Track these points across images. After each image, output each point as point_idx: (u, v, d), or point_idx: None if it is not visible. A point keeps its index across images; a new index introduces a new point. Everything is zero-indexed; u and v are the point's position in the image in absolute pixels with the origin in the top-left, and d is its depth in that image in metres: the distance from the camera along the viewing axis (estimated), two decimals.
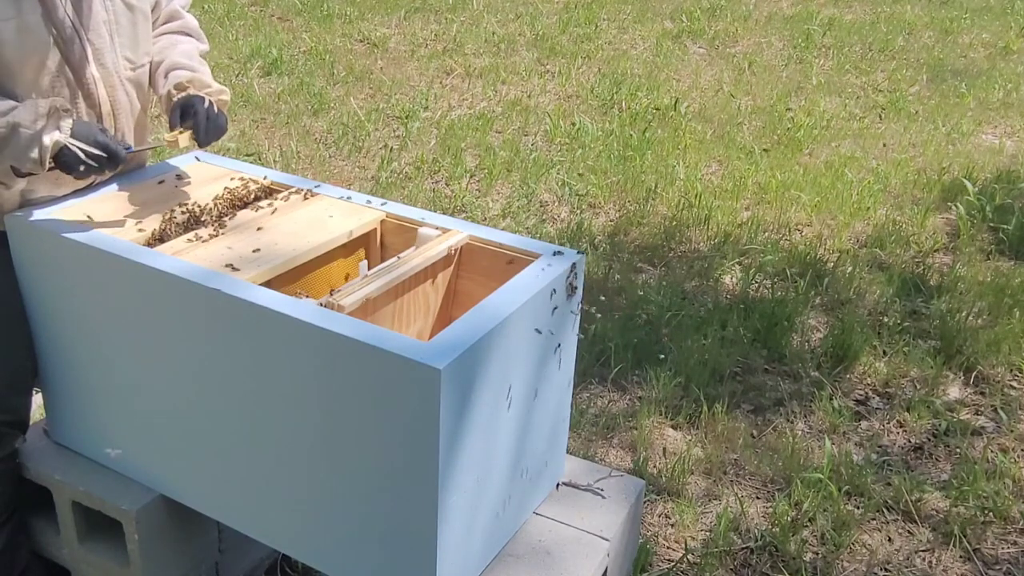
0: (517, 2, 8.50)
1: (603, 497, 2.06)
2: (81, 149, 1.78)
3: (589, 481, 2.10)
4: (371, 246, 2.06)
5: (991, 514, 2.66)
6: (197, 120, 1.96)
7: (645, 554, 2.40)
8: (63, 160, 1.79)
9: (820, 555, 2.52)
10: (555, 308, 1.82)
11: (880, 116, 5.96)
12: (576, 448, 2.83)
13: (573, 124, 5.55)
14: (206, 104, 1.98)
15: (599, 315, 3.48)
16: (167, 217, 1.95)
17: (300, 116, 5.58)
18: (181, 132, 1.95)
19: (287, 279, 1.86)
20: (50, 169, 1.80)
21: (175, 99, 2.01)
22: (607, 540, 1.95)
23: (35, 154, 1.75)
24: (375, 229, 2.05)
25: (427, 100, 5.93)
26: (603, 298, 3.66)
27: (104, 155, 1.80)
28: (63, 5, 1.82)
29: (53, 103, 1.79)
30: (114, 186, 2.08)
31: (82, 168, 1.80)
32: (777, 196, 4.64)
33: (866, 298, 3.78)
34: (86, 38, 1.87)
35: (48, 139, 1.75)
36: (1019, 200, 4.59)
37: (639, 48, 7.35)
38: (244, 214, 2.01)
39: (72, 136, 1.78)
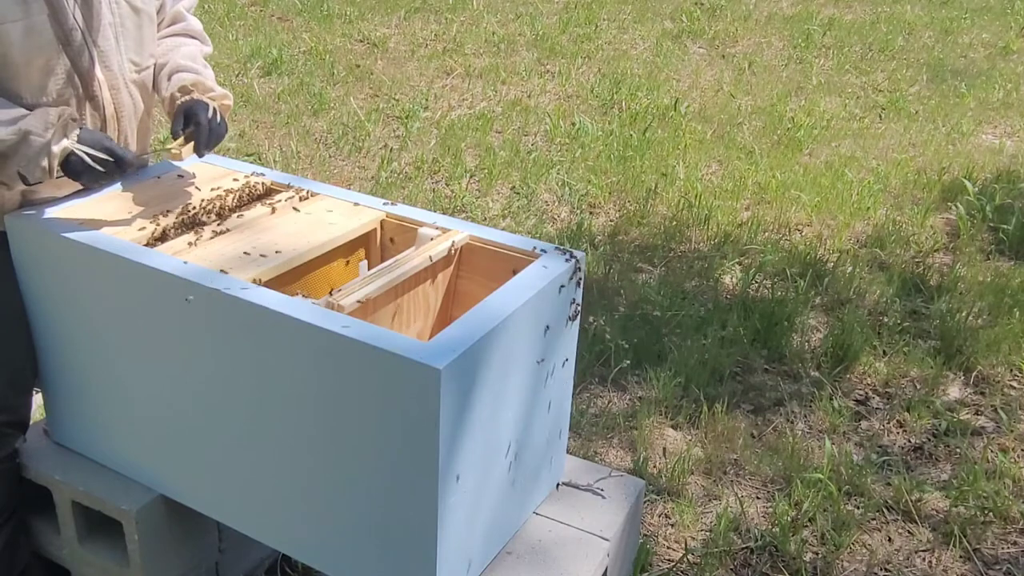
0: (517, 2, 8.50)
1: (603, 497, 2.06)
2: (87, 154, 1.78)
3: (589, 481, 2.10)
4: (371, 246, 2.07)
5: (991, 514, 2.66)
6: (199, 131, 1.96)
7: (645, 554, 2.40)
8: (70, 166, 1.79)
9: (820, 555, 2.52)
10: (555, 307, 1.82)
11: (880, 116, 5.96)
12: (576, 448, 2.83)
13: (573, 124, 5.56)
14: (210, 113, 1.98)
15: (599, 315, 3.48)
16: (167, 217, 1.95)
17: (300, 116, 5.58)
18: (183, 144, 1.95)
19: (287, 279, 1.86)
20: (57, 177, 1.80)
21: (178, 102, 2.01)
22: (607, 540, 1.95)
23: (44, 162, 1.76)
24: (375, 229, 2.05)
25: (427, 100, 5.93)
26: (603, 298, 3.66)
27: (111, 159, 1.81)
28: (70, 7, 1.82)
29: (63, 112, 1.79)
30: (115, 186, 2.07)
31: (89, 175, 1.81)
32: (777, 196, 4.64)
33: (866, 298, 3.78)
34: (92, 40, 1.87)
35: (57, 147, 1.76)
36: (1019, 200, 4.59)
37: (639, 48, 7.35)
38: (244, 214, 2.01)
39: (79, 142, 1.78)
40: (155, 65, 2.07)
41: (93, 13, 1.87)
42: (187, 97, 2.01)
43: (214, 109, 2.00)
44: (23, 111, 1.77)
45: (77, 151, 1.78)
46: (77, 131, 1.79)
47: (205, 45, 2.20)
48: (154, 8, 2.05)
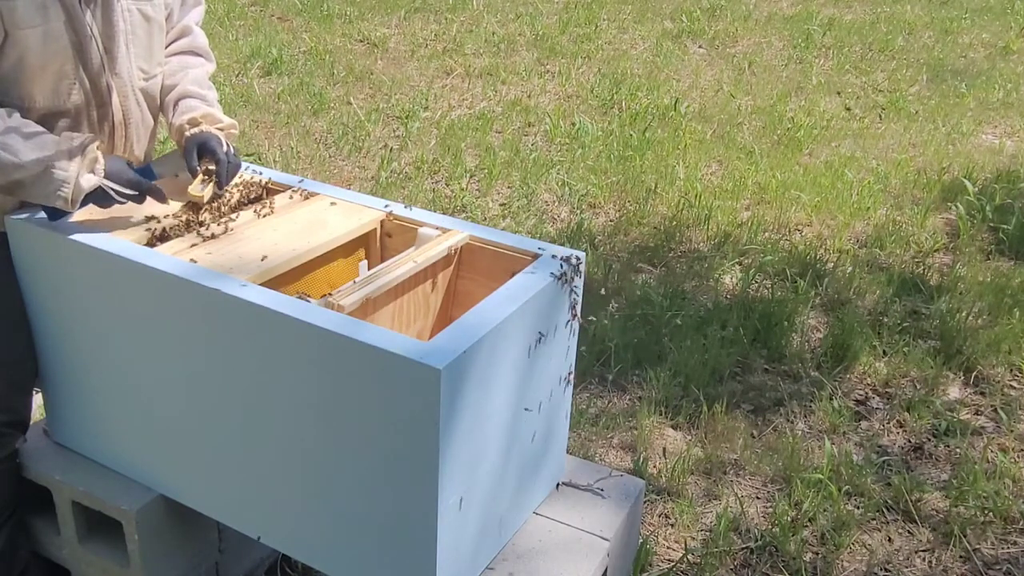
0: (517, 2, 8.50)
1: (603, 497, 2.06)
2: (114, 189, 1.82)
3: (589, 481, 2.10)
4: (371, 246, 2.07)
5: (991, 514, 2.66)
6: (220, 167, 1.99)
7: (645, 554, 2.40)
8: (95, 198, 1.83)
9: (820, 555, 2.52)
10: (555, 308, 1.82)
11: (880, 116, 5.96)
12: (576, 448, 2.83)
13: (573, 124, 5.56)
14: (224, 148, 2.01)
15: (599, 315, 3.48)
16: (167, 217, 1.95)
17: (300, 116, 5.58)
18: (204, 183, 1.98)
19: (287, 279, 1.86)
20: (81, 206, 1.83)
21: (188, 134, 2.02)
22: (607, 540, 1.95)
23: (67, 193, 1.77)
24: (375, 229, 2.05)
25: (427, 100, 5.93)
26: (603, 298, 3.66)
27: (136, 193, 1.85)
28: (86, 13, 1.83)
29: (86, 141, 1.79)
30: None
31: (111, 204, 1.85)
32: (777, 196, 4.64)
33: (866, 298, 3.78)
34: (104, 47, 1.88)
35: (85, 182, 1.78)
36: (1019, 200, 4.59)
37: (639, 48, 7.35)
38: (244, 214, 2.01)
39: (106, 176, 1.81)
40: (163, 85, 2.08)
41: (108, 20, 1.88)
42: (197, 129, 2.02)
43: (228, 145, 2.03)
44: (42, 136, 1.76)
45: (105, 186, 1.81)
46: (103, 165, 1.81)
47: (209, 63, 2.20)
48: (163, 17, 2.05)
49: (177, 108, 2.06)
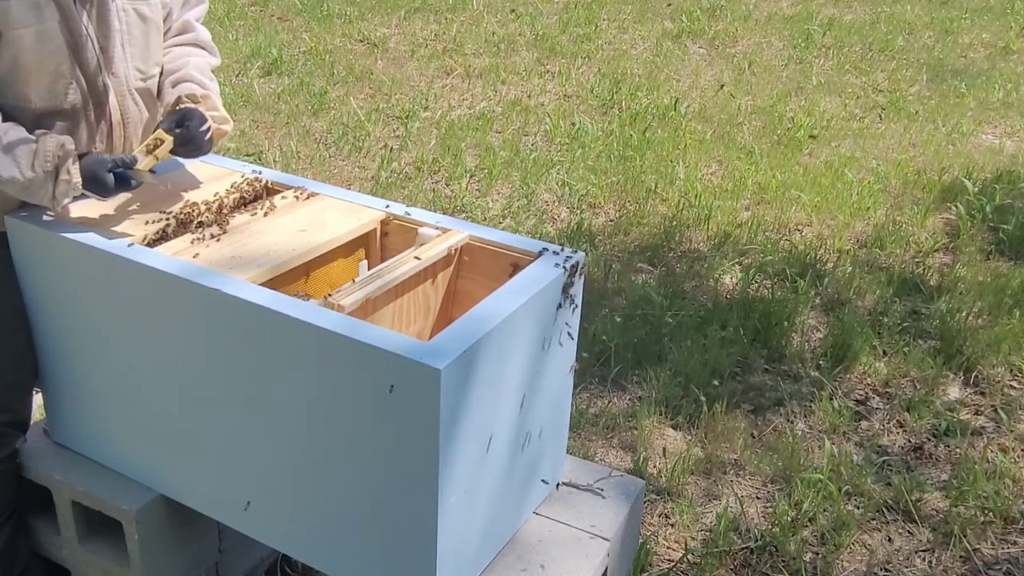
0: (517, 2, 8.50)
1: (603, 497, 2.06)
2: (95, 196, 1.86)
3: (589, 481, 2.10)
4: (371, 246, 2.07)
5: (991, 514, 2.66)
6: (189, 130, 1.93)
7: (645, 554, 2.40)
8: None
9: (820, 555, 2.52)
10: (555, 308, 1.82)
11: (880, 116, 5.96)
12: (576, 448, 2.83)
13: (573, 124, 5.56)
14: (204, 125, 1.97)
15: (599, 315, 3.48)
16: (167, 217, 1.95)
17: (300, 116, 5.58)
18: (147, 151, 1.91)
19: (287, 279, 1.86)
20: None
21: (184, 104, 2.00)
22: (607, 540, 1.95)
23: (49, 205, 1.84)
24: (375, 229, 2.05)
25: (427, 100, 5.93)
26: (603, 298, 3.66)
27: (109, 194, 1.87)
28: (81, 13, 1.83)
29: (57, 162, 1.79)
30: None
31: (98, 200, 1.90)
32: (777, 196, 4.64)
33: (866, 298, 3.78)
34: (100, 47, 1.88)
35: (63, 198, 1.82)
36: (1019, 200, 4.59)
37: (639, 48, 7.35)
38: (244, 214, 2.02)
39: (84, 186, 1.83)
40: (164, 71, 2.07)
41: (104, 20, 1.88)
42: (194, 105, 2.01)
43: (209, 126, 2.00)
44: (25, 153, 1.76)
45: (87, 193, 1.85)
46: (79, 182, 1.81)
47: (213, 57, 2.19)
48: (161, 17, 2.04)
49: (175, 88, 2.04)
